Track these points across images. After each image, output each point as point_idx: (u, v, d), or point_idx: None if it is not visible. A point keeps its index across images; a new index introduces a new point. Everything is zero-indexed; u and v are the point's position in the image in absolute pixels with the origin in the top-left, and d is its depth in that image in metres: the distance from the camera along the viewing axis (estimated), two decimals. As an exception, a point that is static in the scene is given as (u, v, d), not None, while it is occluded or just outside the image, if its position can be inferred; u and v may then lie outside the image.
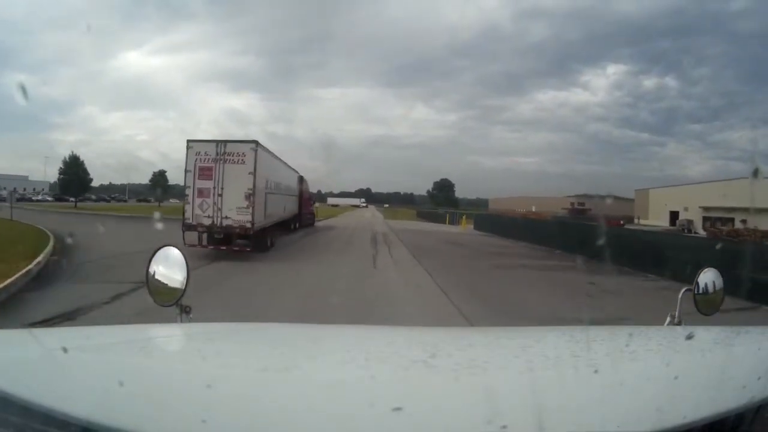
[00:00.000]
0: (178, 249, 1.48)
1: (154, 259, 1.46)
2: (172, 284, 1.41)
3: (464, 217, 38.83)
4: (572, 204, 54.54)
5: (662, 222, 46.86)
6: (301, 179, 23.42)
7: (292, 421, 0.70)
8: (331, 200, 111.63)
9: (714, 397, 0.78)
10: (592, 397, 0.82)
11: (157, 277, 1.43)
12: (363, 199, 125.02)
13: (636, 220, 50.96)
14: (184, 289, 1.40)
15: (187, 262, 1.45)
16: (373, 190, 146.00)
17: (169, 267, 1.44)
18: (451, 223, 40.56)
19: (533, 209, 54.62)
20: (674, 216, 47.25)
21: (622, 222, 40.62)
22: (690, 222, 42.52)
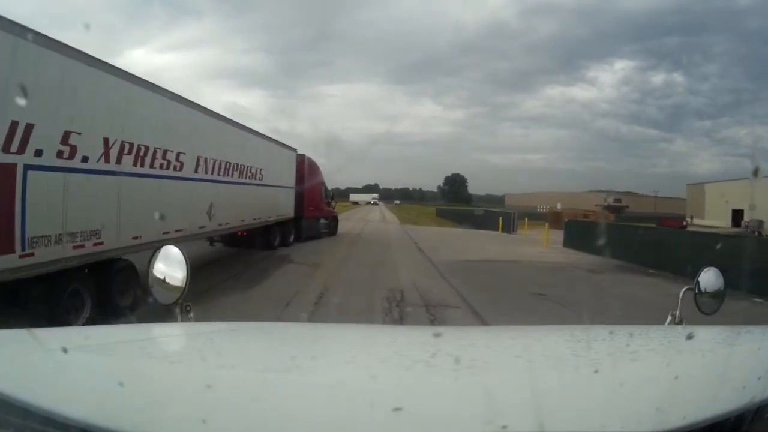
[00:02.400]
0: (179, 247, 1.49)
1: (154, 257, 1.46)
2: (173, 283, 1.41)
3: (527, 222, 24.81)
4: (605, 200, 47.56)
5: (721, 221, 39.23)
6: (303, 161, 15.18)
7: (293, 421, 0.70)
8: (353, 197, 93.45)
9: (714, 398, 0.78)
10: (592, 397, 0.82)
11: (157, 276, 1.43)
12: (377, 196, 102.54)
13: (688, 220, 42.47)
14: (185, 288, 1.40)
15: (188, 261, 1.45)
16: (381, 186, 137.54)
17: (170, 266, 1.44)
18: (507, 230, 24.23)
19: (558, 206, 47.63)
20: (737, 215, 39.45)
21: (684, 223, 35.38)
22: (760, 223, 34.48)
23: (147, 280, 1.45)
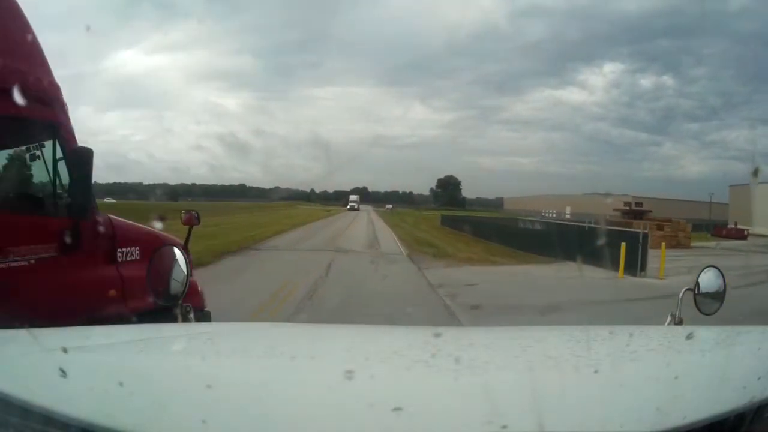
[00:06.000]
0: (178, 248, 1.49)
1: (154, 258, 1.46)
2: (172, 284, 1.41)
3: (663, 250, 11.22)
4: (628, 205, 38.27)
5: None
6: None
7: (292, 420, 0.70)
8: (353, 200, 71.46)
9: (714, 397, 0.78)
10: (592, 397, 0.82)
11: (157, 276, 1.44)
12: (357, 197, 75.08)
13: (742, 227, 36.08)
14: (185, 289, 1.40)
15: (187, 262, 1.45)
16: (370, 189, 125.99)
17: (170, 267, 1.44)
18: (631, 266, 10.84)
19: (568, 211, 41.82)
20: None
21: (745, 232, 31.77)
22: None
23: (147, 280, 1.45)
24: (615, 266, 10.91)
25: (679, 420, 0.67)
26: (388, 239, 20.60)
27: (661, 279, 10.57)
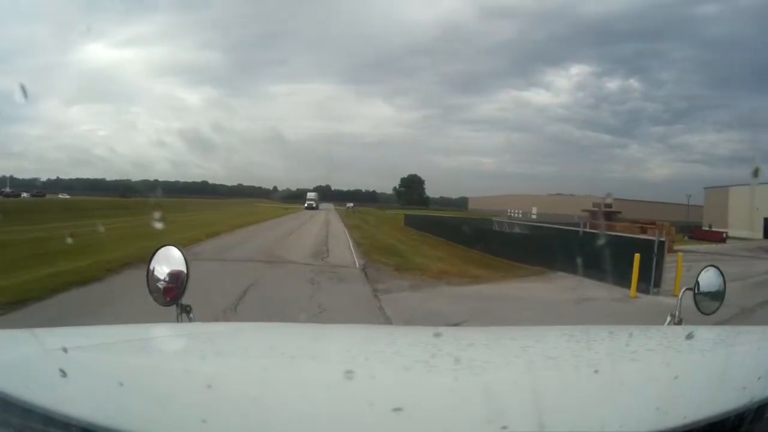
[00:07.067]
0: (177, 247, 1.49)
1: (154, 258, 1.46)
2: (172, 283, 1.41)
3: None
4: (597, 206, 36.74)
5: (746, 231, 34.51)
6: None
7: (292, 420, 0.70)
8: (311, 198, 63.46)
9: (714, 397, 0.78)
10: (592, 397, 0.82)
11: (157, 276, 1.44)
12: (315, 195, 67.03)
13: (708, 230, 36.51)
14: (184, 289, 1.40)
15: (187, 262, 1.45)
16: (333, 188, 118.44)
17: (169, 266, 1.44)
18: (645, 282, 8.96)
19: (534, 211, 41.94)
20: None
21: (724, 235, 31.48)
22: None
23: (147, 280, 1.45)
24: (620, 280, 9.04)
25: (679, 420, 0.67)
26: (342, 245, 17.24)
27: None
